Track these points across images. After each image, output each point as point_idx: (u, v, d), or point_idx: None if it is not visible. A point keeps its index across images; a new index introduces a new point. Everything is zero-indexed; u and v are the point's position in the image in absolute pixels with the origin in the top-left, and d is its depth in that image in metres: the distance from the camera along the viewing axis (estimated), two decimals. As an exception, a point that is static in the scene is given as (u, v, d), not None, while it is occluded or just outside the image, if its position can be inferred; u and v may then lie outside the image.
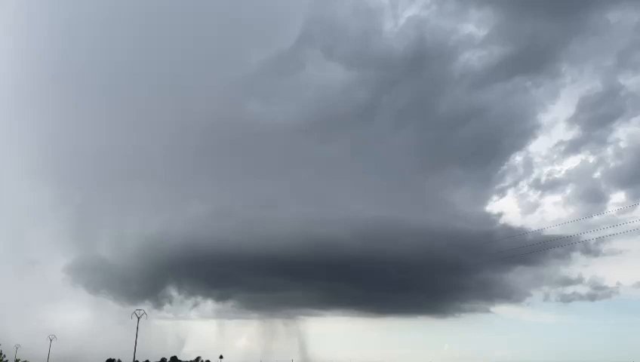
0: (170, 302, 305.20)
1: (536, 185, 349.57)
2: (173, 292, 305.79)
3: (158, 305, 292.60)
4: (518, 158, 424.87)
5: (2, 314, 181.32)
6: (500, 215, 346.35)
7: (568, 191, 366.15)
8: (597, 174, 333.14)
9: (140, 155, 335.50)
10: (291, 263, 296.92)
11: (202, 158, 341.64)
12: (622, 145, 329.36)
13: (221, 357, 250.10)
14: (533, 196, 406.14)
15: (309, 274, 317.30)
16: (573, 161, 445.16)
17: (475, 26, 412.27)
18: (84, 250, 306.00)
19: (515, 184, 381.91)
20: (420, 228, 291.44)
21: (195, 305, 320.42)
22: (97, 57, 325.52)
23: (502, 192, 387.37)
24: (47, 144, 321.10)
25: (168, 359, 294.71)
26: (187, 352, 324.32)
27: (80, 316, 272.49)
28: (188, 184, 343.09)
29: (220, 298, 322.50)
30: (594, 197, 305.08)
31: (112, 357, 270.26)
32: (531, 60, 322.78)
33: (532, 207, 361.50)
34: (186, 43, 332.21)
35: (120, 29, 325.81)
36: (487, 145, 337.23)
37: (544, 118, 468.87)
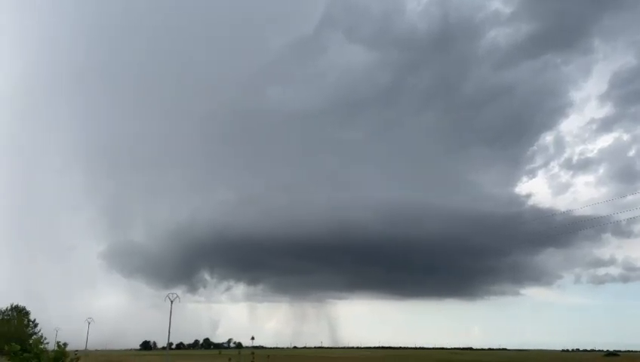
0: (205, 286, 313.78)
1: (568, 165, 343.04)
2: (206, 276, 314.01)
3: (193, 289, 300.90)
4: (548, 138, 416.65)
5: (43, 298, 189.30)
6: (528, 196, 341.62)
7: (601, 170, 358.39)
8: (631, 152, 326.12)
9: (167, 144, 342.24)
10: (319, 247, 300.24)
11: (227, 145, 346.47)
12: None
13: (252, 338, 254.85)
14: (565, 176, 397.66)
15: (336, 258, 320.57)
16: (606, 140, 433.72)
17: (501, 3, 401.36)
18: (118, 236, 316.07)
19: (546, 164, 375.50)
20: (447, 210, 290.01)
21: (228, 288, 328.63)
22: (125, 50, 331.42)
23: (532, 173, 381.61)
24: (80, 135, 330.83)
25: (201, 341, 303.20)
26: (219, 334, 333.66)
27: (116, 300, 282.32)
28: (214, 171, 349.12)
29: (251, 282, 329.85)
30: (628, 177, 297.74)
31: (148, 339, 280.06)
32: (561, 37, 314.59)
33: (563, 188, 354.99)
34: (208, 32, 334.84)
35: (144, 20, 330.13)
36: (515, 125, 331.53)
37: (575, 96, 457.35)
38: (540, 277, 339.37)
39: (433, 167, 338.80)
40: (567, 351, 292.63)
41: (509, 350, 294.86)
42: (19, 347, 24.34)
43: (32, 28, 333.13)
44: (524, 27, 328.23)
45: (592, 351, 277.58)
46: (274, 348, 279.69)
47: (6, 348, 26.53)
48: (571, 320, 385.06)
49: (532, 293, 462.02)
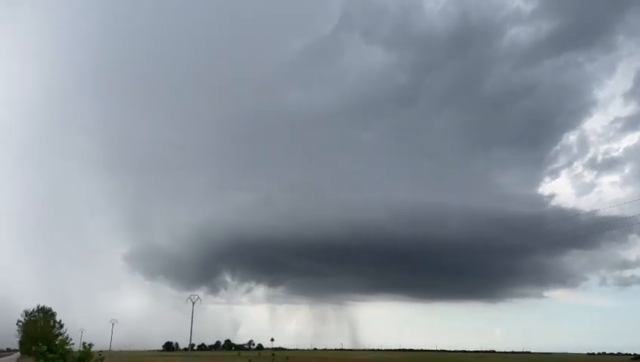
0: (226, 288, 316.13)
1: (592, 164, 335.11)
2: (227, 278, 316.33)
3: (214, 290, 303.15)
4: (571, 137, 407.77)
5: (68, 300, 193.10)
6: (551, 197, 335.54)
7: (627, 170, 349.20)
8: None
9: (186, 147, 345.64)
10: (338, 249, 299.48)
11: (245, 147, 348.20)
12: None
13: (272, 340, 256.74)
14: (589, 176, 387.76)
15: (356, 260, 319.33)
16: (631, 139, 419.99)
17: (522, 1, 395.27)
18: (141, 239, 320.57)
19: (570, 164, 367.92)
20: (468, 211, 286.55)
21: (249, 290, 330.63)
22: (142, 53, 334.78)
23: (555, 173, 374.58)
24: (102, 138, 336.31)
25: (223, 342, 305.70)
26: (240, 336, 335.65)
27: (139, 301, 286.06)
28: (232, 173, 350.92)
29: (271, 283, 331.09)
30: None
31: (170, 340, 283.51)
32: (584, 34, 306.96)
33: (587, 188, 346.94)
34: (225, 33, 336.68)
35: (160, 23, 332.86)
36: (537, 125, 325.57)
37: (599, 94, 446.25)
38: (564, 279, 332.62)
39: (454, 168, 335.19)
40: (593, 354, 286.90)
41: (532, 353, 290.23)
42: (45, 347, 24.87)
43: (52, 29, 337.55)
44: (545, 25, 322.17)
45: (619, 354, 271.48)
46: (294, 349, 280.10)
47: (33, 348, 27.14)
48: (597, 323, 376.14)
49: (556, 295, 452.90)
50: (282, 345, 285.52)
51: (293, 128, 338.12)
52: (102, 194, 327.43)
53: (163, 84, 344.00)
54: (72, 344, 28.24)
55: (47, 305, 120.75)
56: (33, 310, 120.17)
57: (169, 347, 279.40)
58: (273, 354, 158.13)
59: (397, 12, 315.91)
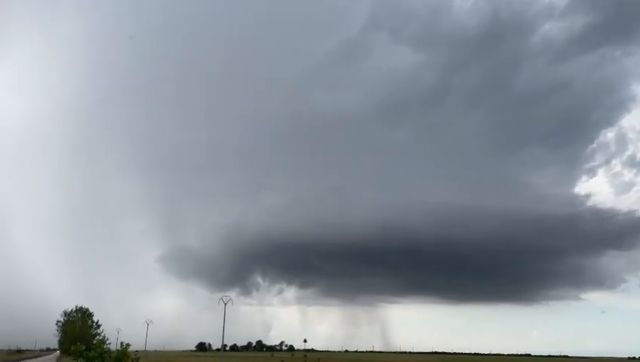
0: (257, 289, 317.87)
1: (631, 162, 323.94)
2: (259, 279, 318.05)
3: (246, 292, 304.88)
4: (609, 134, 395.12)
5: (104, 300, 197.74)
6: (587, 196, 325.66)
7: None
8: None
9: (216, 148, 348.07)
10: (368, 250, 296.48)
11: (275, 148, 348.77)
12: None
13: (305, 341, 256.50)
14: (628, 175, 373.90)
15: (387, 261, 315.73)
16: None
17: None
18: (173, 241, 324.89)
19: (607, 162, 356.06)
20: (500, 212, 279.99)
21: (280, 291, 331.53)
22: (172, 58, 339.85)
23: (592, 172, 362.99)
24: (134, 143, 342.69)
25: (254, 343, 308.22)
26: (272, 337, 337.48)
27: (173, 302, 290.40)
28: (263, 174, 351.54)
29: (302, 285, 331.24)
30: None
31: (203, 341, 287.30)
32: (620, 28, 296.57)
33: (626, 187, 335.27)
34: (251, 33, 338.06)
35: (188, 27, 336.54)
36: (572, 122, 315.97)
37: (638, 90, 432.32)
38: (602, 281, 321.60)
39: (486, 168, 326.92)
40: (634, 358, 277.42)
41: (570, 357, 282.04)
42: (84, 347, 25.40)
43: (83, 29, 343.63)
44: (580, 20, 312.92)
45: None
46: (325, 351, 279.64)
47: (72, 347, 27.74)
48: (637, 326, 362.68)
49: (594, 298, 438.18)
50: (313, 347, 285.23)
51: (321, 129, 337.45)
52: (134, 195, 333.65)
53: (194, 85, 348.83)
54: (109, 344, 28.76)
55: (85, 305, 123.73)
56: (72, 310, 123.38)
57: (202, 347, 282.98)
58: (305, 356, 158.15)
59: (425, 10, 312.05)
